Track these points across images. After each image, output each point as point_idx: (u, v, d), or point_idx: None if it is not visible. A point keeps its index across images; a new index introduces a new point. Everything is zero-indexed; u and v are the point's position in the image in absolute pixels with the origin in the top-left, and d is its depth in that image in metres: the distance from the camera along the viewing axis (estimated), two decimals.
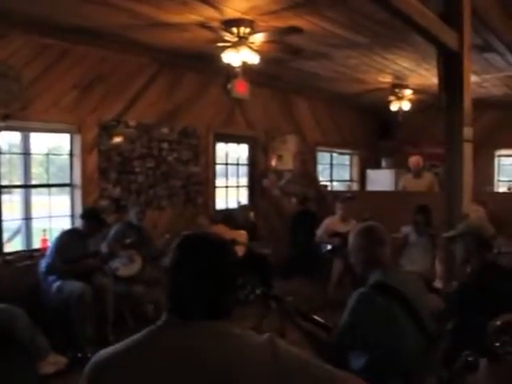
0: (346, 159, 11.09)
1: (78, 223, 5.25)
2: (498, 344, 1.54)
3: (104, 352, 1.40)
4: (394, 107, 8.49)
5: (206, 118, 7.16)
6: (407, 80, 7.80)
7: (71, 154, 5.75)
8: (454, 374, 2.64)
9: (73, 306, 4.52)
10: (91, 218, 5.05)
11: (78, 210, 5.60)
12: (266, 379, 1.32)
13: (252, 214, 6.46)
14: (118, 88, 6.01)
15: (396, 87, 8.15)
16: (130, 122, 6.18)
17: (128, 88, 6.13)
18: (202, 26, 4.89)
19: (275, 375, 1.32)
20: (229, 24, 4.90)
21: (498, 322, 2.12)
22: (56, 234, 5.12)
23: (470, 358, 1.58)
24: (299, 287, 6.84)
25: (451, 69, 4.03)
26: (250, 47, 5.06)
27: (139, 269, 5.37)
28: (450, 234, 3.52)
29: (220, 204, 7.59)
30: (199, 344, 1.35)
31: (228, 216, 6.75)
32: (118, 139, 6.04)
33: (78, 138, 5.69)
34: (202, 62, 6.34)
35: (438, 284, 4.89)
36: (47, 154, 5.82)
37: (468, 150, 4.09)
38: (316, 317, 2.79)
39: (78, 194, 5.73)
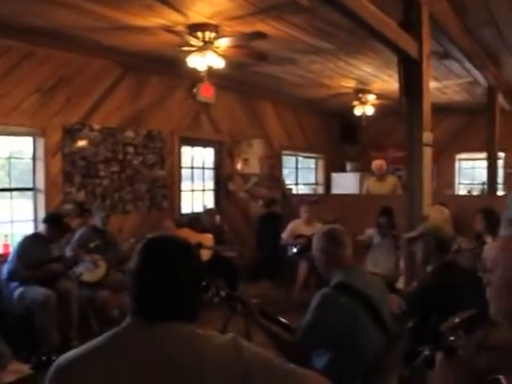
0: (312, 163, 11.21)
1: (41, 228, 5.17)
2: (452, 338, 1.60)
3: (67, 355, 1.40)
4: (357, 112, 8.64)
5: (172, 122, 7.15)
6: (370, 85, 7.95)
7: (34, 158, 5.66)
8: (413, 371, 2.72)
9: (36, 312, 4.45)
10: (54, 222, 4.98)
11: (41, 214, 5.52)
12: (230, 379, 1.34)
13: (218, 218, 6.47)
14: (82, 91, 5.95)
15: (359, 92, 8.30)
16: (95, 126, 6.12)
17: (92, 91, 6.08)
18: (167, 29, 4.89)
19: (239, 375, 1.35)
20: (194, 28, 4.91)
21: (457, 320, 2.20)
22: (18, 239, 5.03)
23: (426, 353, 1.63)
24: (265, 290, 6.88)
25: (411, 75, 4.14)
26: (216, 52, 5.09)
27: (104, 273, 5.32)
28: (410, 235, 3.62)
29: (186, 208, 7.58)
30: (163, 345, 1.36)
31: (194, 220, 6.75)
32: (82, 143, 5.98)
33: (41, 141, 5.61)
34: (168, 65, 6.33)
35: (400, 285, 5.00)
36: (9, 158, 5.72)
37: (428, 153, 4.20)
38: (280, 318, 2.84)
39: (41, 198, 5.65)
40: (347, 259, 2.81)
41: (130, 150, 6.56)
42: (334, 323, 2.53)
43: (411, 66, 4.11)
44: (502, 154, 8.09)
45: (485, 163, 8.36)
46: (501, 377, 1.66)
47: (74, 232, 5.43)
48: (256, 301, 2.81)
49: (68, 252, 5.11)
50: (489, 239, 5.05)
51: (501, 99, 8.05)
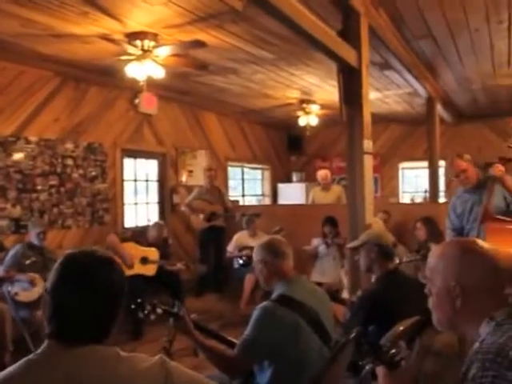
0: (258, 174, 11.20)
1: None
2: (393, 351, 1.56)
3: None
4: (302, 122, 8.69)
5: (113, 134, 6.97)
6: (314, 95, 8.01)
7: None
8: (362, 382, 2.69)
9: None
10: None
11: None
12: None
13: (166, 231, 6.33)
14: (16, 102, 5.71)
15: (304, 102, 8.35)
16: (31, 138, 5.89)
17: (28, 101, 5.85)
18: (105, 38, 4.76)
19: None
20: (132, 37, 4.79)
21: (401, 328, 2.17)
22: None
23: (367, 367, 1.59)
24: (211, 303, 6.78)
25: (351, 84, 4.16)
26: (155, 61, 4.98)
27: (41, 293, 5.06)
28: (353, 244, 3.61)
29: (129, 222, 7.38)
30: (86, 372, 1.25)
31: (139, 233, 6.58)
32: (17, 156, 5.73)
33: None
34: (108, 75, 6.16)
35: (345, 294, 5.00)
36: None
37: (368, 161, 4.22)
38: (220, 333, 2.76)
39: None
40: (289, 270, 2.76)
41: (70, 162, 6.35)
42: (274, 337, 2.47)
43: (351, 75, 4.14)
44: (442, 163, 8.30)
45: (426, 172, 8.58)
46: None
47: (8, 250, 5.17)
48: (194, 315, 2.74)
49: (0, 272, 4.85)
50: (433, 246, 5.14)
51: (440, 109, 8.27)
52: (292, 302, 2.57)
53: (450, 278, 1.48)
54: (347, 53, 3.94)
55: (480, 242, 1.59)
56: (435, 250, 1.64)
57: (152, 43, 4.82)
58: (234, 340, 2.72)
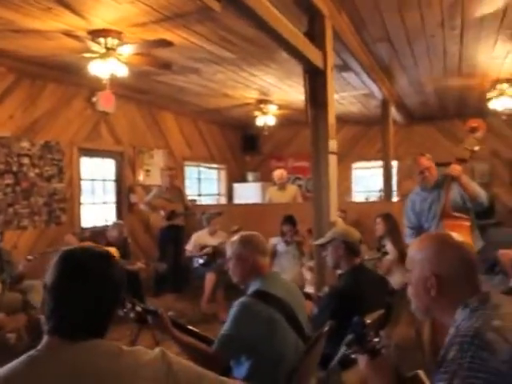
0: (214, 173, 11.22)
1: None
2: (376, 339, 1.65)
3: None
4: (259, 122, 8.77)
5: (70, 132, 6.84)
6: (272, 96, 8.11)
7: None
8: (330, 373, 2.78)
9: None
10: None
11: None
12: None
13: (125, 231, 6.27)
14: None
15: (261, 102, 8.43)
16: None
17: None
18: (68, 34, 4.68)
19: None
20: (96, 34, 4.74)
21: (368, 321, 2.27)
22: None
23: (353, 356, 1.66)
24: (171, 303, 6.76)
25: (317, 85, 4.26)
26: (119, 59, 4.94)
27: None
28: (320, 241, 3.71)
29: (86, 222, 7.26)
30: (91, 366, 1.27)
31: (97, 233, 6.49)
32: None
33: None
34: (66, 72, 6.06)
35: (308, 289, 5.11)
36: None
37: (333, 161, 4.34)
38: (194, 329, 2.79)
39: None
40: (265, 267, 2.81)
41: (26, 161, 6.18)
42: (253, 332, 2.52)
43: (316, 77, 4.23)
44: (395, 163, 8.58)
45: (378, 171, 8.82)
46: (420, 372, 1.73)
47: None
48: (171, 313, 2.76)
49: None
50: (388, 243, 5.32)
51: (393, 111, 8.54)
52: (269, 297, 2.62)
53: (426, 269, 1.59)
54: (313, 54, 4.03)
55: (454, 235, 1.70)
56: (414, 243, 1.75)
57: (116, 41, 4.78)
58: (211, 337, 2.76)
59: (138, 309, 2.57)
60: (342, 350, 1.79)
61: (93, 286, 1.35)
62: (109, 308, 1.40)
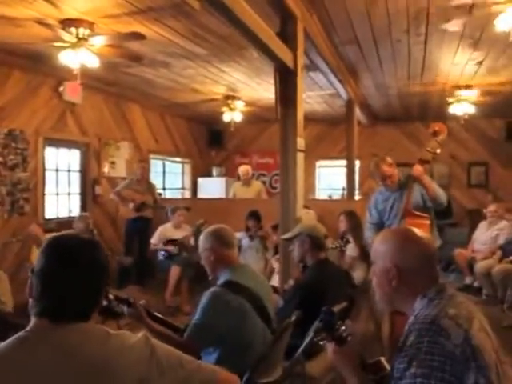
0: (179, 167, 11.22)
1: None
2: (344, 328, 1.74)
3: None
4: (226, 118, 8.83)
5: (35, 122, 6.75)
6: (240, 92, 8.18)
7: None
8: (294, 363, 2.89)
9: None
10: None
11: None
12: (146, 376, 1.38)
13: (91, 223, 6.24)
14: None
15: (229, 98, 8.49)
16: None
17: None
18: (39, 22, 4.64)
19: (154, 372, 1.39)
20: (67, 23, 4.70)
21: (335, 310, 2.38)
22: None
23: (321, 343, 1.76)
24: (135, 295, 6.73)
25: (287, 84, 4.36)
26: (90, 50, 4.92)
27: None
28: (287, 235, 3.83)
29: (50, 212, 7.19)
30: (80, 347, 1.33)
31: (63, 225, 6.43)
32: None
33: None
34: (34, 61, 5.97)
35: (275, 280, 5.24)
36: None
37: (301, 158, 4.46)
38: (165, 318, 2.86)
39: None
40: (234, 258, 2.92)
41: None
42: (223, 321, 2.60)
43: (287, 76, 4.34)
44: (358, 162, 8.77)
45: (341, 170, 9.00)
46: (382, 358, 1.85)
47: None
48: (143, 302, 2.82)
49: None
50: (351, 238, 5.48)
51: (358, 112, 8.73)
52: (238, 287, 2.71)
53: (389, 261, 1.71)
54: (285, 54, 4.13)
55: (415, 230, 1.83)
56: (379, 236, 1.87)
57: (87, 31, 4.76)
58: (181, 326, 2.83)
59: (111, 297, 2.60)
60: (310, 337, 1.89)
61: (81, 271, 1.42)
62: (96, 291, 1.46)
